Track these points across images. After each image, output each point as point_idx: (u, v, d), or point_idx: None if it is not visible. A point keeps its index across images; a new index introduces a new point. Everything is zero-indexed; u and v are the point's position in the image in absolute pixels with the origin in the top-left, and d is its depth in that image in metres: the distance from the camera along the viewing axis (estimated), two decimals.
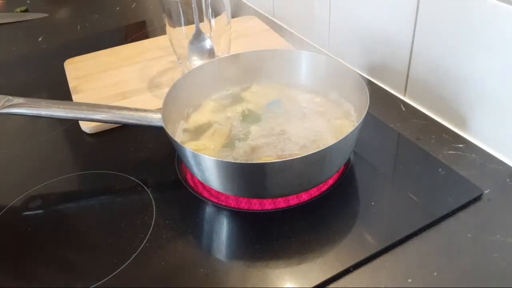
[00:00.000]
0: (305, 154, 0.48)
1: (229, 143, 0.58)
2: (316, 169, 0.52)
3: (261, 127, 0.60)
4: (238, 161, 0.54)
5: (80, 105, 0.60)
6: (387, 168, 0.60)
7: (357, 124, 0.52)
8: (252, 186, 0.53)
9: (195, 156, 0.51)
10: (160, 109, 0.56)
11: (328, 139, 0.57)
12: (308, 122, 0.60)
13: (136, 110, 0.58)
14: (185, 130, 0.61)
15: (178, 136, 0.60)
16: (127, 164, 0.63)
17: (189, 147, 0.51)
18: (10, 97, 0.58)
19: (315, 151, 0.49)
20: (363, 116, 0.52)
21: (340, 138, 0.50)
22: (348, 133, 0.50)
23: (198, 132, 0.61)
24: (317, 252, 0.49)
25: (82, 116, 0.59)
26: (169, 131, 0.54)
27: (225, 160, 0.53)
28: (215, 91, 0.67)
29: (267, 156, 0.55)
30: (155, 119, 0.57)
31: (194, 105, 0.65)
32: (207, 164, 0.51)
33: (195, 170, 0.54)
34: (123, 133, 0.69)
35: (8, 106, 0.58)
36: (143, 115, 0.58)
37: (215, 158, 0.50)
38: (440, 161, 0.59)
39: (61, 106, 0.58)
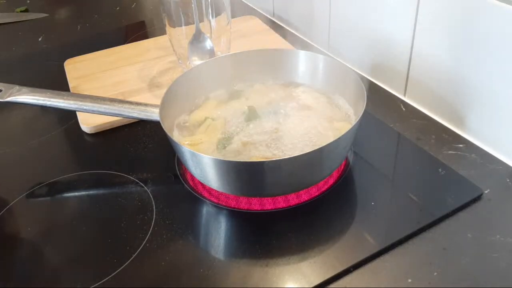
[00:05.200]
0: (295, 155, 0.48)
1: (224, 138, 0.58)
2: (310, 169, 0.52)
3: (258, 125, 0.60)
4: (220, 158, 0.53)
5: (84, 97, 0.61)
6: (387, 168, 0.60)
7: (352, 125, 0.52)
8: (241, 184, 0.53)
9: (183, 150, 0.52)
10: None
11: (325, 139, 0.57)
12: (306, 121, 0.60)
13: (137, 104, 0.60)
14: (183, 126, 0.61)
15: (175, 131, 0.60)
16: (127, 164, 0.63)
17: (184, 142, 0.51)
18: (18, 86, 0.60)
19: (308, 151, 0.49)
20: (359, 117, 0.52)
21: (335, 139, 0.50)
22: (342, 134, 0.50)
23: (195, 128, 0.61)
24: (317, 252, 0.49)
25: (85, 107, 0.60)
26: (165, 126, 0.54)
27: (212, 156, 0.53)
28: (215, 89, 0.67)
29: (256, 155, 0.55)
30: (154, 113, 0.58)
31: (195, 102, 0.65)
32: (198, 160, 0.51)
33: (189, 165, 0.54)
34: (123, 133, 0.69)
35: (15, 94, 0.59)
36: (143, 109, 0.59)
37: (202, 154, 0.50)
38: (440, 161, 0.59)
39: (65, 97, 0.60)
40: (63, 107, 0.60)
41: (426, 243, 0.49)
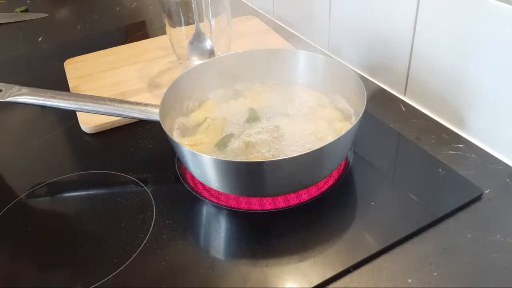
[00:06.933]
0: (295, 155, 0.48)
1: (224, 138, 0.58)
2: (310, 169, 0.52)
3: (258, 125, 0.60)
4: (220, 158, 0.53)
5: (84, 97, 0.61)
6: (387, 168, 0.60)
7: (352, 125, 0.52)
8: (241, 184, 0.53)
9: (184, 150, 0.52)
10: None
11: (325, 140, 0.57)
12: (306, 121, 0.60)
13: (137, 104, 0.60)
14: (183, 126, 0.61)
15: (175, 131, 0.60)
16: (127, 164, 0.63)
17: (185, 143, 0.51)
18: (18, 87, 0.60)
19: (308, 151, 0.49)
20: (359, 117, 0.52)
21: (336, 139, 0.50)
22: (342, 134, 0.50)
23: (195, 128, 0.61)
24: (317, 252, 0.49)
25: (85, 107, 0.60)
26: (165, 126, 0.55)
27: (213, 157, 0.53)
28: (216, 89, 0.67)
29: (256, 155, 0.55)
30: (154, 113, 0.58)
31: (195, 102, 0.65)
32: (198, 160, 0.51)
33: (189, 165, 0.54)
34: (123, 133, 0.69)
35: (16, 94, 0.59)
36: (143, 109, 0.59)
37: (202, 154, 0.50)
38: (440, 161, 0.59)
39: (65, 97, 0.60)
40: (63, 107, 0.60)
41: (426, 243, 0.49)
